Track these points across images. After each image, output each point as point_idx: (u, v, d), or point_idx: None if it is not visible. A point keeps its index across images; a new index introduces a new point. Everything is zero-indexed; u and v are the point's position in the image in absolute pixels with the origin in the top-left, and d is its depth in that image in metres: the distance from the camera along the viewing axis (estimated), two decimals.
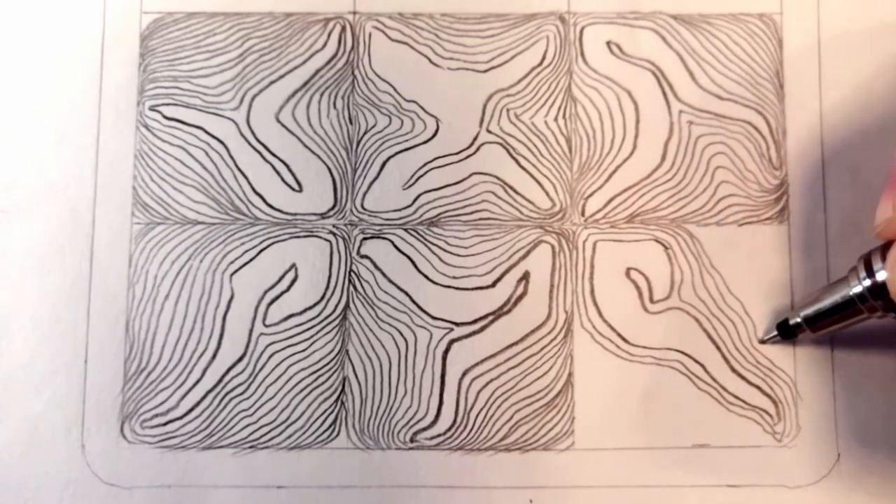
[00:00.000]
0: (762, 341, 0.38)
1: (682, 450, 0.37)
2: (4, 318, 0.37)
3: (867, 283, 0.33)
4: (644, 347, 0.38)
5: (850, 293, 0.33)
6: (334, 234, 0.38)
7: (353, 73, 0.39)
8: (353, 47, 0.39)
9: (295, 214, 0.38)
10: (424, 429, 0.37)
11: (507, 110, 0.39)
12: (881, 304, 0.33)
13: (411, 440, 0.37)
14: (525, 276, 0.38)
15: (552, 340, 0.38)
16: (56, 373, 0.37)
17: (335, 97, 0.39)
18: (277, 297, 0.38)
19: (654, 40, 0.39)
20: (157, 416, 0.37)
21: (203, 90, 0.39)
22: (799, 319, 0.36)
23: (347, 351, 0.38)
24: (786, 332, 0.37)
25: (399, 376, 0.38)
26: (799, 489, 0.37)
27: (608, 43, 0.39)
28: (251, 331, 0.38)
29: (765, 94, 0.39)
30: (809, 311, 0.35)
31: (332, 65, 0.39)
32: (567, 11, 0.39)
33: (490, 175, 0.38)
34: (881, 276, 0.32)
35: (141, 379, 0.37)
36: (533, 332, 0.38)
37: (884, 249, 0.32)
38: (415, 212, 0.38)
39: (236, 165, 0.39)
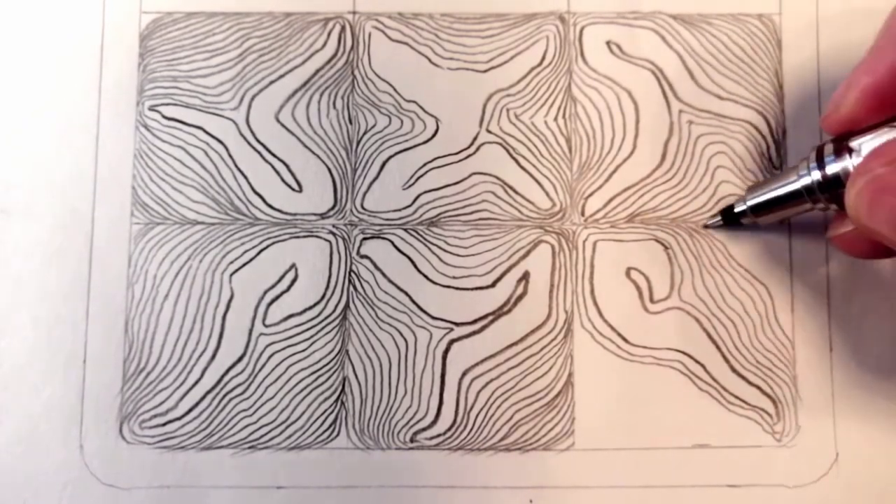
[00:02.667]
0: (705, 226, 0.38)
1: (682, 450, 0.37)
2: (4, 318, 0.37)
3: (817, 175, 0.32)
4: (644, 347, 0.38)
5: (799, 185, 0.33)
6: (334, 234, 0.38)
7: (352, 73, 0.39)
8: (352, 47, 0.39)
9: (295, 214, 0.38)
10: (424, 429, 0.37)
11: (507, 110, 0.39)
12: (826, 197, 0.33)
13: (411, 440, 0.37)
14: (525, 276, 0.38)
15: (552, 340, 0.38)
16: (55, 373, 0.37)
17: (335, 97, 0.39)
18: (277, 297, 0.38)
19: (654, 40, 0.39)
20: (156, 416, 0.37)
21: (202, 90, 0.39)
22: (745, 207, 0.36)
23: (347, 351, 0.38)
24: (729, 218, 0.37)
25: (399, 376, 0.37)
26: (798, 488, 0.37)
27: (608, 43, 0.39)
28: (251, 331, 0.38)
29: (764, 94, 0.39)
30: (757, 199, 0.35)
31: (331, 65, 0.39)
32: (567, 11, 0.39)
33: (490, 175, 0.38)
34: (832, 168, 0.32)
35: (140, 379, 0.37)
36: (533, 332, 0.38)
37: (836, 143, 0.32)
38: (415, 212, 0.38)
39: (236, 165, 0.38)
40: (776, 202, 0.35)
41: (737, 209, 0.36)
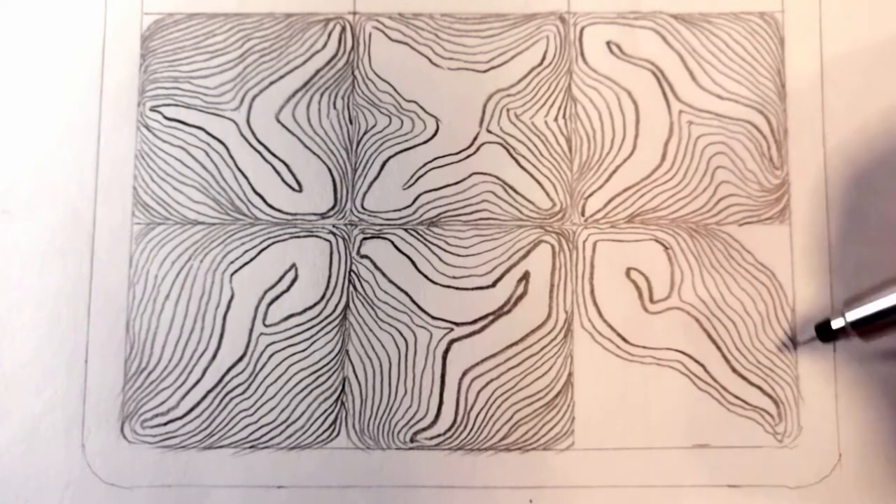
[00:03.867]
0: (797, 345, 0.36)
1: (682, 450, 0.37)
2: (4, 318, 0.38)
3: None
4: (644, 347, 0.37)
5: None
6: (334, 234, 0.38)
7: (353, 73, 0.39)
8: (353, 47, 0.39)
9: (295, 214, 0.38)
10: (424, 429, 0.37)
11: (507, 110, 0.39)
12: None
13: (411, 440, 0.37)
14: (525, 276, 0.38)
15: (552, 340, 0.38)
16: (56, 373, 0.37)
17: (335, 97, 0.39)
18: (277, 297, 0.38)
19: (655, 40, 0.39)
20: (157, 415, 0.37)
21: (203, 91, 0.39)
22: (844, 324, 0.31)
23: (347, 351, 0.38)
24: (826, 335, 0.33)
25: (399, 376, 0.38)
26: (800, 489, 0.37)
27: (608, 43, 0.39)
28: (251, 331, 0.38)
29: (766, 94, 0.39)
30: (859, 313, 0.30)
31: (332, 65, 0.39)
32: (567, 11, 0.39)
33: (490, 175, 0.38)
34: None
35: (141, 379, 0.37)
36: (533, 332, 0.38)
37: None
38: (415, 212, 0.38)
39: (236, 166, 0.39)
40: (885, 315, 0.30)
41: (835, 326, 0.32)
